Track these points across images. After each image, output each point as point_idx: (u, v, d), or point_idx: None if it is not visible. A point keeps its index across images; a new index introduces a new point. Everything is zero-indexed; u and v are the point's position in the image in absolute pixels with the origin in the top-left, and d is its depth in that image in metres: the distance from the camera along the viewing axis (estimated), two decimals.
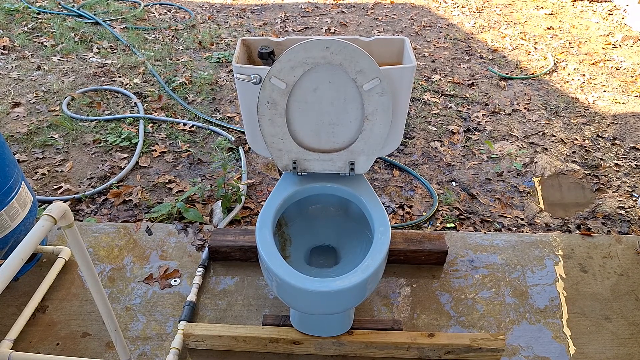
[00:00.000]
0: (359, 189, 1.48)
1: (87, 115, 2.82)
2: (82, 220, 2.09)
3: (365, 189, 1.49)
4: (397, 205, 2.23)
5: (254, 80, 1.34)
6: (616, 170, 2.52)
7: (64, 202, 1.99)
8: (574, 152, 2.66)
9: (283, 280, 1.21)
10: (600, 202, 2.30)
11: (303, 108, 1.37)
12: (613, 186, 2.41)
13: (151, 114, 2.85)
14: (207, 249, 1.85)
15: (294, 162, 1.47)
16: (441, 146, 2.67)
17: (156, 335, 1.61)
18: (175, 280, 1.80)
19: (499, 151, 2.63)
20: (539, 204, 2.28)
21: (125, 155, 2.49)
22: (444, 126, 2.85)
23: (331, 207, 1.58)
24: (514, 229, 2.12)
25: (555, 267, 1.88)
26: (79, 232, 1.11)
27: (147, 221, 2.08)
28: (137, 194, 2.23)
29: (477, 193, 2.33)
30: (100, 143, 2.58)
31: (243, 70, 1.35)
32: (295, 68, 1.27)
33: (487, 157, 2.59)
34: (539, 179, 2.45)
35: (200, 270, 1.79)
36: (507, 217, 2.19)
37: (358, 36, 1.50)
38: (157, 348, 1.58)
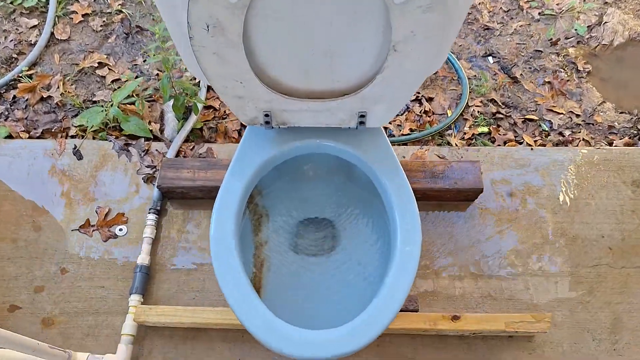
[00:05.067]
0: (371, 151, 0.94)
1: None
2: None
3: (380, 150, 0.94)
4: (414, 98, 1.66)
5: None
6: None
7: None
8: None
9: (256, 336, 0.78)
10: None
11: (276, 28, 0.74)
12: None
13: None
14: (156, 189, 1.37)
15: (266, 114, 0.89)
16: None
17: (103, 308, 1.26)
18: (120, 229, 1.36)
19: (557, 4, 1.91)
20: (599, 90, 1.71)
21: (35, 21, 1.76)
22: None
23: (325, 168, 1.06)
24: (567, 132, 1.61)
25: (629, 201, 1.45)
26: None
27: (75, 134, 1.53)
28: (58, 87, 1.61)
29: (521, 74, 1.73)
30: None
31: None
32: None
33: (540, 14, 1.88)
34: (605, 49, 1.81)
35: (151, 218, 1.34)
36: (558, 113, 1.65)
37: None
38: (106, 327, 1.24)
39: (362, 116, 0.89)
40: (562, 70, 1.76)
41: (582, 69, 1.76)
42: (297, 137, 0.94)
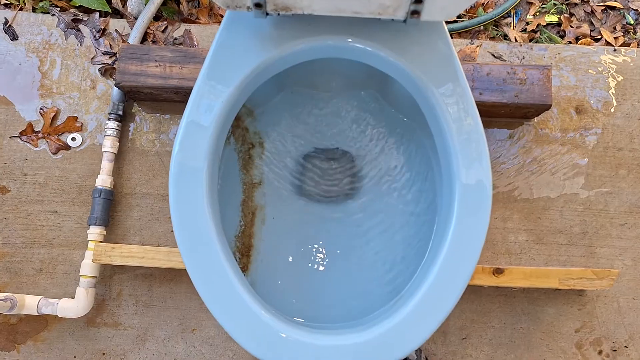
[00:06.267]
0: (424, 61, 0.60)
1: None
2: None
3: (438, 61, 0.60)
4: None
5: None
6: None
7: None
8: None
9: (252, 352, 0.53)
10: None
11: None
12: None
13: None
14: (115, 88, 1.03)
15: None
16: None
17: (58, 239, 1.01)
18: (73, 138, 1.05)
19: None
20: None
21: None
22: None
23: (348, 80, 0.71)
24: None
25: None
26: None
27: (9, 3, 1.14)
28: None
29: None
30: None
31: None
32: None
33: None
34: None
35: (111, 127, 1.02)
36: None
37: None
38: (62, 262, 1.01)
39: (418, 1, 0.53)
40: None
41: None
42: (305, 32, 0.59)
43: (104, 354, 0.97)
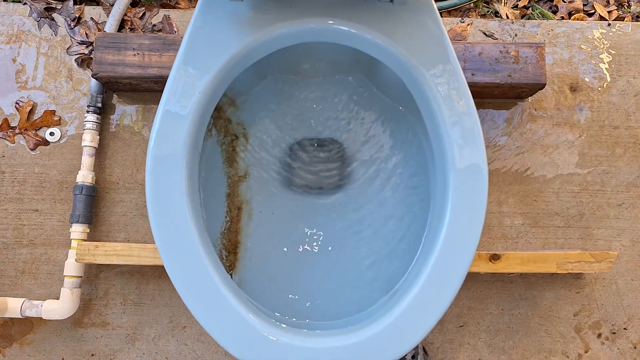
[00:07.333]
0: (413, 42, 0.56)
1: None
2: None
3: (428, 42, 0.56)
4: None
5: None
6: None
7: None
8: None
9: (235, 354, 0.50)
10: None
11: None
12: None
13: None
14: (93, 80, 0.98)
15: None
16: None
17: (40, 238, 0.98)
18: (51, 133, 1.01)
19: None
20: None
21: None
22: None
23: (334, 65, 0.68)
24: None
25: None
26: None
27: None
28: None
29: None
30: None
31: None
32: None
33: None
34: None
35: (91, 120, 0.98)
36: None
37: None
38: (45, 262, 0.97)
39: None
40: None
41: None
42: (286, 15, 0.55)
43: (92, 355, 0.94)
